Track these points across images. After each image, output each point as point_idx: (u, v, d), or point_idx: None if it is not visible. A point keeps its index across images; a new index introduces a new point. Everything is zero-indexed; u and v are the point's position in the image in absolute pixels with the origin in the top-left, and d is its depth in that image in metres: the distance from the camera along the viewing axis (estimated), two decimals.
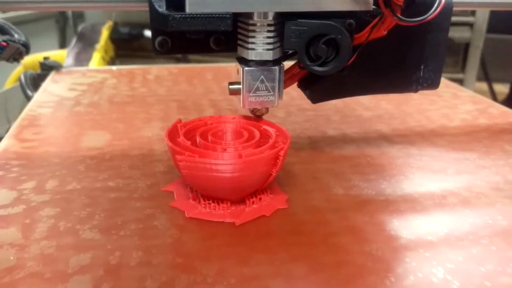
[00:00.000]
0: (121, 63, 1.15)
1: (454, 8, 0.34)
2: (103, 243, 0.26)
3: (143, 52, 1.20)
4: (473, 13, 0.94)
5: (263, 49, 0.29)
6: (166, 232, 0.28)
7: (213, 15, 0.26)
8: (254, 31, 0.29)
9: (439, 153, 0.40)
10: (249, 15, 0.28)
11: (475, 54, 0.87)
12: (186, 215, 0.29)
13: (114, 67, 0.65)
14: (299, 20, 0.28)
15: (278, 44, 0.29)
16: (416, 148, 0.41)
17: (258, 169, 0.28)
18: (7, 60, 0.52)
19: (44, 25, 1.36)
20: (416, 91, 0.35)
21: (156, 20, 0.27)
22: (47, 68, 0.62)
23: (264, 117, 0.33)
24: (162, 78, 0.61)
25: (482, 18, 0.87)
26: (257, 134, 0.31)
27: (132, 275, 0.24)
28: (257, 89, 0.30)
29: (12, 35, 0.55)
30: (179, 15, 0.26)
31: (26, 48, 0.55)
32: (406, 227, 0.29)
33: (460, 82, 0.89)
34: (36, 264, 0.24)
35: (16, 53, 0.52)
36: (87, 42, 1.01)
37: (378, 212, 0.31)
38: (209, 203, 0.30)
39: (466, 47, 0.86)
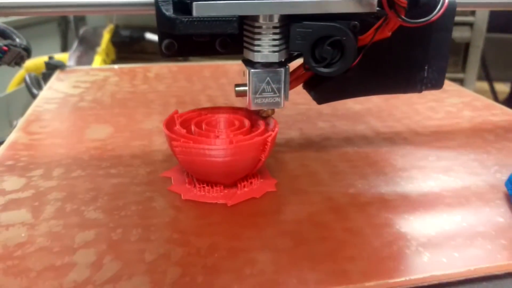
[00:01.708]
0: (122, 60, 1.17)
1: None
2: (105, 222, 0.29)
3: (144, 54, 1.22)
4: (473, 13, 0.95)
5: (269, 51, 0.30)
6: (164, 212, 0.30)
7: (220, 18, 0.27)
8: (260, 33, 0.29)
9: (422, 142, 0.42)
10: (255, 18, 0.29)
11: (475, 53, 0.88)
12: (182, 197, 0.32)
13: (116, 66, 0.68)
14: (304, 22, 0.28)
15: (283, 46, 0.30)
16: (401, 138, 0.43)
17: (247, 154, 0.31)
18: (9, 64, 0.54)
19: (46, 28, 1.39)
20: (420, 91, 0.36)
21: (164, 24, 0.28)
22: (52, 67, 0.64)
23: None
24: (162, 75, 0.64)
25: (482, 18, 0.89)
26: (247, 123, 0.34)
27: (132, 249, 0.26)
28: (263, 90, 0.31)
29: (13, 40, 0.57)
30: (186, 19, 0.27)
31: (27, 52, 0.57)
32: (385, 206, 0.31)
33: (461, 81, 0.90)
34: (45, 240, 0.27)
35: (18, 57, 0.55)
36: (88, 45, 1.04)
37: (360, 194, 0.33)
38: (203, 187, 0.32)
39: (466, 46, 0.87)
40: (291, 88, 0.33)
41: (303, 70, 0.33)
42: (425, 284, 0.24)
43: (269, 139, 0.31)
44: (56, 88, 0.57)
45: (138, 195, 0.32)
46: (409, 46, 0.34)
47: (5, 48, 0.55)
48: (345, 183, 0.34)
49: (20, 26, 0.99)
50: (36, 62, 1.01)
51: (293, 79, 0.33)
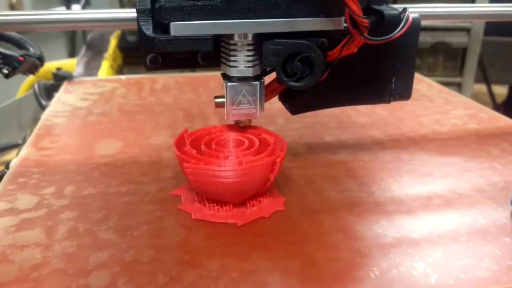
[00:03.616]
0: (129, 70, 1.18)
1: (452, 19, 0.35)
2: (118, 242, 0.29)
3: None
4: None
5: (244, 66, 0.31)
6: (174, 232, 0.31)
7: (195, 37, 0.29)
8: (235, 50, 0.31)
9: (428, 157, 0.43)
10: (230, 36, 0.31)
11: (472, 58, 0.89)
12: (192, 216, 0.32)
13: (123, 77, 0.69)
14: (275, 40, 0.30)
15: (257, 62, 0.32)
16: (406, 153, 0.44)
17: (257, 175, 0.31)
18: (24, 73, 0.55)
19: (54, 34, 1.40)
20: (389, 102, 0.37)
21: (144, 41, 0.29)
22: (60, 78, 0.65)
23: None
24: (169, 87, 0.64)
25: (478, 24, 0.90)
26: (256, 142, 0.34)
27: (145, 271, 0.27)
28: (240, 102, 0.32)
29: (27, 49, 0.58)
30: (164, 38, 0.29)
31: (41, 61, 0.58)
32: (392, 226, 0.32)
33: (458, 85, 0.91)
34: (59, 262, 0.28)
35: (32, 67, 0.56)
36: (96, 51, 1.05)
37: (367, 212, 0.33)
38: (213, 206, 0.33)
39: (464, 51, 0.89)
40: (267, 99, 0.35)
41: (276, 84, 0.34)
42: None
43: (278, 159, 0.32)
44: (64, 100, 0.58)
45: (148, 214, 0.33)
46: (376, 60, 0.35)
47: (21, 58, 0.56)
48: (352, 201, 0.35)
49: (29, 32, 1.00)
50: (45, 68, 1.02)
51: (269, 91, 0.35)
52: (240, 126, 0.35)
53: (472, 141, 0.46)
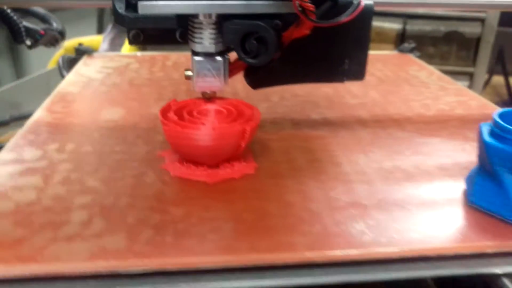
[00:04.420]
0: (152, 47, 1.23)
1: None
2: (102, 190, 0.34)
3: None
4: None
5: (208, 43, 0.35)
6: (152, 185, 0.35)
7: (161, 16, 0.32)
8: (200, 28, 0.35)
9: (405, 137, 0.45)
10: (195, 15, 0.34)
11: (486, 48, 0.89)
12: (171, 174, 0.36)
13: (139, 53, 0.73)
14: (234, 20, 0.34)
15: (220, 39, 0.35)
16: (385, 132, 0.46)
17: (226, 140, 0.35)
18: (45, 45, 0.61)
19: (85, 12, 1.47)
20: (342, 81, 0.40)
21: (117, 19, 0.33)
22: (81, 52, 0.70)
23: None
24: (180, 64, 0.68)
25: (493, 14, 0.89)
26: (234, 113, 0.38)
27: (118, 213, 0.31)
28: (205, 75, 0.36)
29: (51, 24, 0.64)
30: (134, 16, 0.33)
31: (61, 36, 0.64)
32: (347, 193, 0.35)
33: (471, 75, 0.91)
34: (49, 202, 0.32)
35: (53, 40, 0.62)
36: (121, 28, 1.10)
37: (329, 180, 0.37)
38: (190, 166, 0.37)
39: (477, 41, 0.88)
40: (232, 75, 0.38)
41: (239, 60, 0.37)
42: (363, 259, 0.28)
43: (248, 128, 0.35)
44: (81, 72, 0.63)
45: (134, 169, 0.37)
46: (330, 42, 0.38)
47: (43, 32, 0.62)
48: (320, 171, 0.38)
49: (60, 9, 1.07)
50: (74, 43, 1.09)
51: (234, 67, 0.38)
52: (205, 97, 0.38)
53: (453, 126, 0.48)
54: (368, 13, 0.36)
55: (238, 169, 0.37)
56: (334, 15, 0.33)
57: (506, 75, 1.04)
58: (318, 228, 0.30)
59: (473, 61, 0.89)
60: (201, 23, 0.35)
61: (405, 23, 0.90)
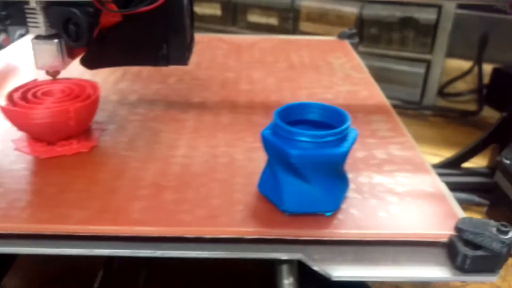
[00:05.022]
0: None
1: None
2: None
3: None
4: None
5: (41, 27, 0.39)
6: None
7: None
8: (34, 13, 0.38)
9: (256, 119, 0.47)
10: (28, 2, 0.38)
11: (443, 35, 0.87)
12: (13, 147, 0.41)
13: None
14: (53, 6, 0.37)
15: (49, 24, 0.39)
16: (246, 119, 0.48)
17: (53, 119, 0.39)
18: None
19: None
20: (167, 65, 0.43)
21: None
22: None
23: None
24: None
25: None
26: (75, 93, 0.42)
27: None
28: (44, 56, 0.40)
29: None
30: None
31: None
32: (160, 175, 0.38)
33: (428, 62, 0.90)
34: None
35: None
36: None
37: (151, 162, 0.40)
38: (30, 142, 0.41)
39: (435, 28, 0.86)
40: (74, 57, 0.42)
41: None
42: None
43: (72, 108, 0.39)
44: None
45: None
46: (147, 27, 0.41)
47: None
48: (150, 152, 0.42)
49: None
50: None
51: (77, 50, 0.42)
52: (49, 75, 0.42)
53: None
54: (180, 1, 0.39)
55: (75, 147, 0.41)
56: (139, 3, 0.37)
57: (480, 63, 1.01)
58: (97, 205, 0.34)
59: (430, 49, 0.87)
60: (33, 8, 0.39)
61: (362, 7, 0.89)
